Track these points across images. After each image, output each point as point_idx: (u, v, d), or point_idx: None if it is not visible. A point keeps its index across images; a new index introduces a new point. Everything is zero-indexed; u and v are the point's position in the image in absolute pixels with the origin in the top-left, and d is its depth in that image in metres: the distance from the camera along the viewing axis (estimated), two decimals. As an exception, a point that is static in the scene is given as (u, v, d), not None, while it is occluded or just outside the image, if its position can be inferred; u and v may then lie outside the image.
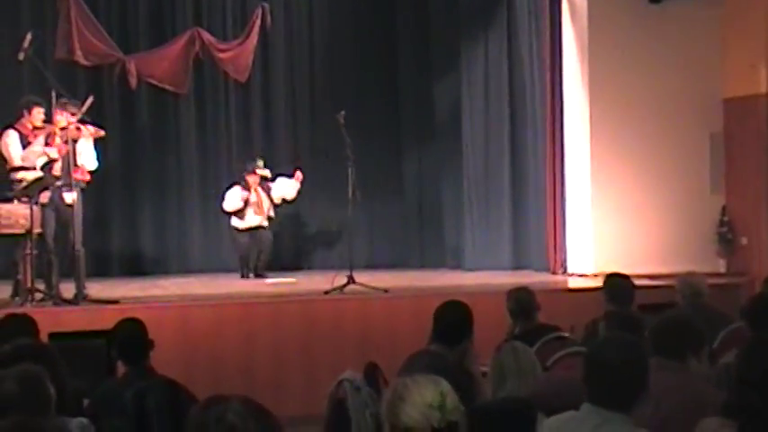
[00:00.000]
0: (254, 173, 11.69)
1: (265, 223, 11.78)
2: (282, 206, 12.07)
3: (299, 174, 11.80)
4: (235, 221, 11.79)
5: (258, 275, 11.59)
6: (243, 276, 11.71)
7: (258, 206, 11.70)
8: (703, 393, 3.94)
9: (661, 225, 10.93)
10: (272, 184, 11.85)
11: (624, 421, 3.28)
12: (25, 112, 9.30)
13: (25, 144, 9.19)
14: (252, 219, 11.73)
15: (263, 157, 12.01)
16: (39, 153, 9.08)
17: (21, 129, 9.27)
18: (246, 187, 11.69)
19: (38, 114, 9.27)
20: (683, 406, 3.83)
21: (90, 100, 9.20)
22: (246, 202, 11.67)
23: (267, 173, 11.82)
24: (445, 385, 2.88)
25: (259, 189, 11.72)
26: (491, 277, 11.11)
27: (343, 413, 4.92)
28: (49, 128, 9.14)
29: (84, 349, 6.96)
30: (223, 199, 11.78)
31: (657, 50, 10.94)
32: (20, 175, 9.09)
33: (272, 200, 11.83)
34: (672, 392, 3.84)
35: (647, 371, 3.36)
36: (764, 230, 10.74)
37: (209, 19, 12.56)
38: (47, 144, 9.11)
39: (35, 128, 9.23)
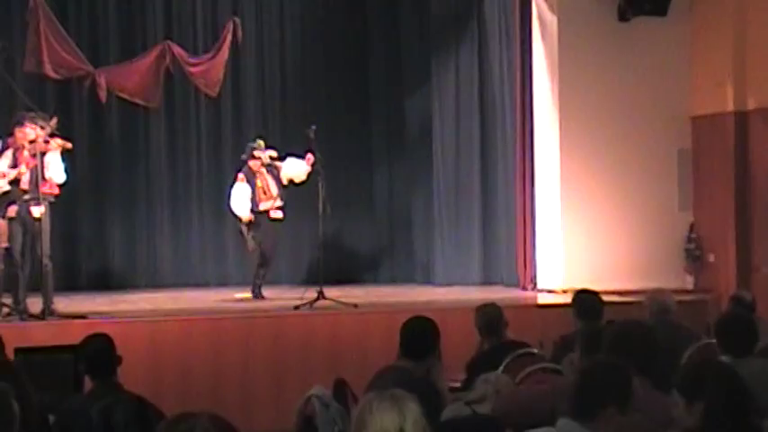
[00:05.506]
0: (254, 157, 10.76)
1: (279, 214, 10.80)
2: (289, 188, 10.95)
3: (310, 156, 10.53)
4: (242, 211, 10.73)
5: (257, 295, 10.75)
6: (255, 296, 10.76)
7: (264, 191, 10.70)
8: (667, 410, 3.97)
9: (630, 241, 10.97)
10: (280, 164, 10.83)
11: None
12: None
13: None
14: (262, 205, 10.73)
15: (261, 137, 11.15)
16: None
17: (10, 143, 9.22)
18: (251, 174, 10.74)
19: (18, 133, 9.17)
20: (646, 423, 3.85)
21: (55, 120, 9.13)
22: (253, 193, 10.65)
23: (271, 153, 10.81)
24: (410, 408, 2.91)
25: (264, 172, 10.75)
26: (461, 292, 11.13)
27: (312, 430, 4.91)
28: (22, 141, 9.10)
29: (51, 364, 6.92)
30: (230, 196, 10.89)
31: (627, 67, 11.01)
32: None
33: (280, 182, 10.81)
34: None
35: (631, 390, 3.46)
36: (732, 247, 10.81)
37: (180, 32, 12.54)
38: (15, 158, 9.05)
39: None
